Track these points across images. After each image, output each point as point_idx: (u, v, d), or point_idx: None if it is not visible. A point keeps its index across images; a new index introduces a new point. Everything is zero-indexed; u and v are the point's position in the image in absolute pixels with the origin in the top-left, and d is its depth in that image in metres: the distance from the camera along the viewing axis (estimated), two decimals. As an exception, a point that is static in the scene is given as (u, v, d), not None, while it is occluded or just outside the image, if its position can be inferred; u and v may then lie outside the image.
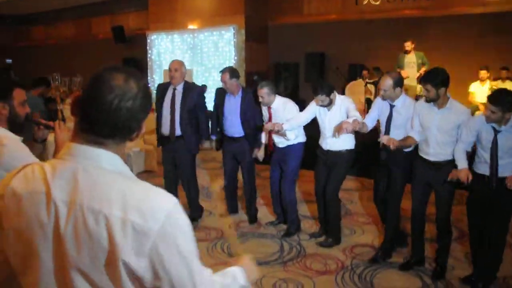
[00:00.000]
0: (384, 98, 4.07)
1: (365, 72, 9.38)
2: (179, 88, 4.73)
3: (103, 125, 1.07)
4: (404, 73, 7.87)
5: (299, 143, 4.69)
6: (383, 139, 3.92)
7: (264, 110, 4.79)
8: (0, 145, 1.95)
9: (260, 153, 4.97)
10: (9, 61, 19.17)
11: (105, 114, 1.06)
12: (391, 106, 4.04)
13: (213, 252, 4.35)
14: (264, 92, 4.55)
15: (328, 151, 4.42)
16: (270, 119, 4.70)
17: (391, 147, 3.77)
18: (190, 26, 11.38)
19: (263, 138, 4.90)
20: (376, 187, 4.37)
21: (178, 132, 4.71)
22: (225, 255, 4.28)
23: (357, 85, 9.09)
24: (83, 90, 1.12)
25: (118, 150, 1.11)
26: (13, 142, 2.01)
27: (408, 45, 7.98)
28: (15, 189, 1.10)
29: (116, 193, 1.02)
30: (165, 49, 11.87)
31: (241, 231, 4.90)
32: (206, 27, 11.12)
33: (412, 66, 8.05)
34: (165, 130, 4.76)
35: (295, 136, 4.57)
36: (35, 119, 2.37)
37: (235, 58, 10.70)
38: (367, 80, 9.01)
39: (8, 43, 18.56)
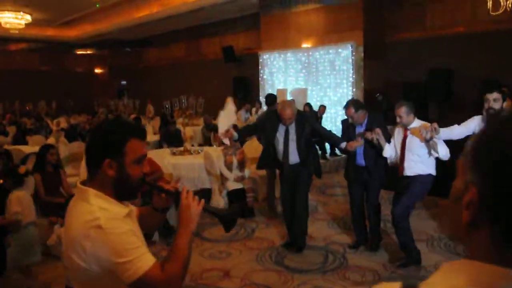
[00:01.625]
0: None
1: (505, 89, 8.35)
2: (292, 124, 4.59)
3: None
4: None
5: (429, 175, 4.19)
6: None
7: (398, 133, 4.34)
8: (96, 227, 1.37)
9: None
10: (123, 82, 20.49)
11: None
12: None
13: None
14: (402, 111, 4.15)
15: None
16: (403, 143, 4.22)
17: None
18: (304, 45, 11.12)
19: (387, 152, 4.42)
20: None
21: (296, 160, 4.62)
22: None
23: (498, 105, 8.10)
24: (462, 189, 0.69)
25: None
26: (113, 224, 1.41)
27: None
28: None
29: None
30: (278, 68, 11.72)
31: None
32: (321, 45, 10.78)
33: None
34: (280, 157, 4.70)
35: (445, 153, 4.01)
36: (155, 182, 1.67)
37: (353, 76, 10.21)
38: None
39: (125, 66, 19.84)
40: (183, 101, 6.80)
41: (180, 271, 1.46)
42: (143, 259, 1.39)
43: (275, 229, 5.45)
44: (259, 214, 6.07)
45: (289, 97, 11.33)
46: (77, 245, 1.38)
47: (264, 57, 11.95)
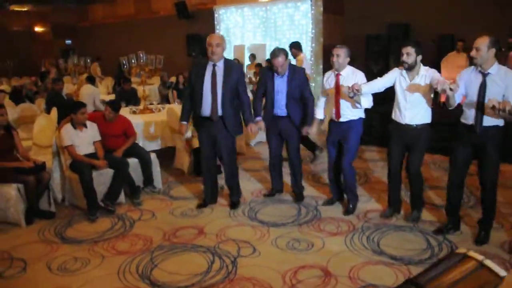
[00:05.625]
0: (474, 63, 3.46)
1: (460, 44, 8.50)
2: (220, 64, 4.25)
3: None
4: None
5: (360, 119, 4.35)
6: (492, 101, 3.19)
7: (330, 78, 4.39)
8: None
9: (313, 129, 4.65)
10: (68, 42, 19.29)
11: None
12: (484, 75, 3.40)
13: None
14: (342, 51, 4.21)
15: (406, 125, 3.93)
16: (337, 87, 4.28)
17: (508, 108, 3.08)
18: (262, -1, 10.79)
19: (318, 113, 4.61)
20: (459, 169, 3.70)
21: (220, 112, 4.30)
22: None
23: (455, 58, 8.24)
24: None
25: None
26: None
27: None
28: None
29: None
30: (234, 24, 11.34)
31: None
32: (279, -1, 10.48)
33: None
34: (205, 110, 4.31)
35: (368, 104, 4.17)
36: None
37: (312, 31, 10.04)
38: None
39: (69, 24, 18.62)
40: (142, 56, 6.40)
41: None
42: None
43: (246, 185, 5.26)
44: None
45: (247, 53, 11.06)
46: None
47: (220, 12, 11.52)
